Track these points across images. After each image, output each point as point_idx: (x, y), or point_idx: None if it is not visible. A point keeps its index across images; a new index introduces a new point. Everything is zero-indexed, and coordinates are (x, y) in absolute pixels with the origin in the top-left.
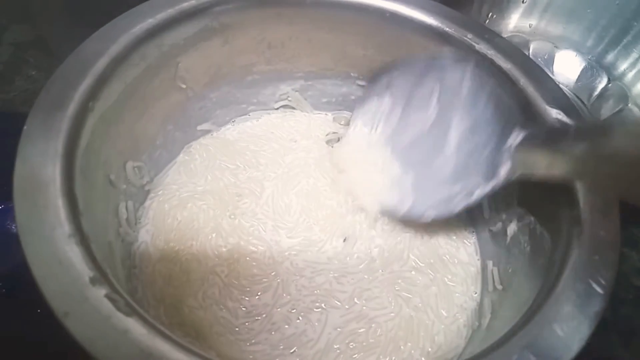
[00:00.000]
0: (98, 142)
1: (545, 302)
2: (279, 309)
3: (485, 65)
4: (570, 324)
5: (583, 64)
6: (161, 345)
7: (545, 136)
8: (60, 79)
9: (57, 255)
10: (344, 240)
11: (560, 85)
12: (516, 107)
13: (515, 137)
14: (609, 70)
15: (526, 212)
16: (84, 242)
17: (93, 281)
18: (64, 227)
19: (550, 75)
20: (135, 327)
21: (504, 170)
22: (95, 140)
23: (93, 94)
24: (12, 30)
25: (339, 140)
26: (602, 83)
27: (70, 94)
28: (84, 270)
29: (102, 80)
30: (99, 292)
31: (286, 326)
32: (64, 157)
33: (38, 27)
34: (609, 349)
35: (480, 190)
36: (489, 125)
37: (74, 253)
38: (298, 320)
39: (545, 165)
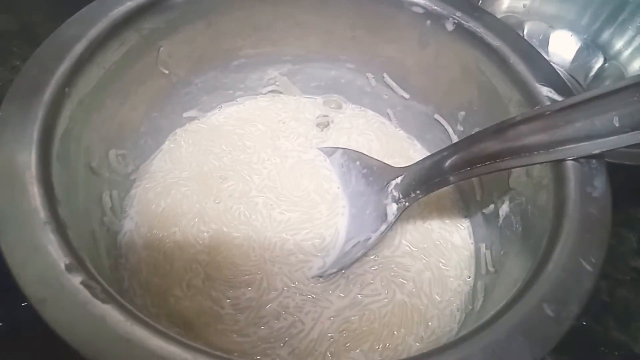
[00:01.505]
0: (78, 129)
1: (534, 282)
2: (265, 303)
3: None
4: (559, 303)
5: (579, 44)
6: (139, 332)
7: (420, 172)
8: (37, 63)
9: (32, 243)
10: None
11: (555, 66)
12: (507, 85)
13: (394, 184)
14: (604, 49)
15: (517, 192)
16: (60, 230)
17: (69, 268)
18: (40, 214)
19: (541, 53)
20: (112, 314)
21: (390, 212)
22: (74, 127)
23: (70, 79)
24: None
25: (329, 124)
26: (598, 63)
27: (46, 79)
28: (60, 258)
29: (80, 65)
30: (75, 279)
31: (275, 320)
32: (40, 143)
33: (22, 17)
34: (606, 331)
35: (375, 234)
36: (365, 192)
37: (49, 240)
38: (286, 313)
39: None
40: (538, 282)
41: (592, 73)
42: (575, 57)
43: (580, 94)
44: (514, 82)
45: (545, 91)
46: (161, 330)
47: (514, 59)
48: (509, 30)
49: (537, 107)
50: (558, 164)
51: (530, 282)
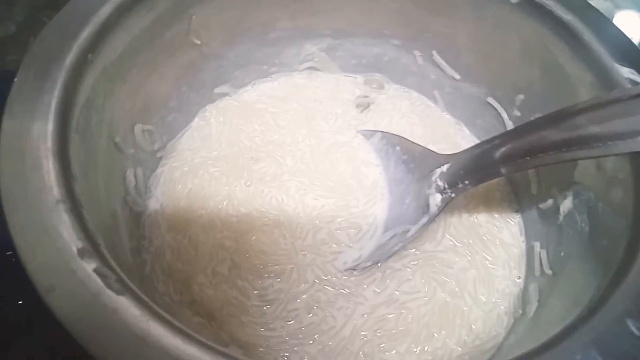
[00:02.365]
0: (100, 100)
1: (613, 293)
2: (295, 296)
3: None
4: None
5: None
6: (155, 329)
7: (470, 161)
8: (57, 27)
9: (42, 223)
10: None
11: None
12: (579, 66)
13: (440, 173)
14: None
15: (585, 186)
16: (74, 210)
17: (81, 253)
18: (53, 191)
19: (619, 27)
20: (126, 307)
21: (433, 203)
22: (96, 98)
23: (94, 45)
24: None
25: (369, 105)
26: None
27: (67, 44)
28: (72, 241)
29: (105, 31)
30: (88, 266)
31: (305, 315)
32: (58, 113)
33: None
34: None
35: (415, 226)
36: (404, 179)
37: (61, 221)
38: (317, 307)
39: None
40: (618, 292)
41: None
42: None
43: None
44: (587, 62)
45: (627, 72)
46: (180, 327)
47: (588, 36)
48: (583, 2)
49: (615, 91)
50: (638, 156)
51: (608, 292)
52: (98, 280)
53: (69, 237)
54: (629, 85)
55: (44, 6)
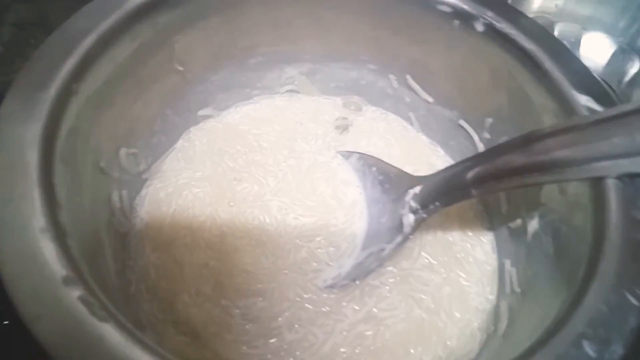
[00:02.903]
0: (86, 127)
1: (572, 315)
2: (277, 314)
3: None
4: (602, 342)
5: (614, 47)
6: (139, 356)
7: (440, 184)
8: (43, 58)
9: (29, 251)
10: None
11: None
12: (541, 93)
13: (412, 194)
14: None
15: (550, 208)
16: (59, 237)
17: (66, 281)
18: (39, 220)
19: (579, 58)
20: (111, 334)
21: (407, 223)
22: (81, 125)
23: (78, 75)
24: (14, 9)
25: (348, 127)
26: (634, 67)
27: (52, 73)
28: (58, 269)
29: (89, 60)
30: (73, 294)
31: (287, 332)
32: (44, 142)
33: (41, 6)
34: None
35: (390, 246)
36: (380, 199)
37: (47, 249)
38: (298, 325)
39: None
40: (576, 315)
41: (627, 78)
42: (609, 61)
43: (620, 105)
44: (549, 90)
45: (584, 100)
46: (164, 354)
47: (550, 64)
48: (544, 32)
49: (574, 118)
50: (597, 181)
51: (567, 315)
52: (83, 307)
53: (55, 265)
54: (587, 113)
55: (31, 25)
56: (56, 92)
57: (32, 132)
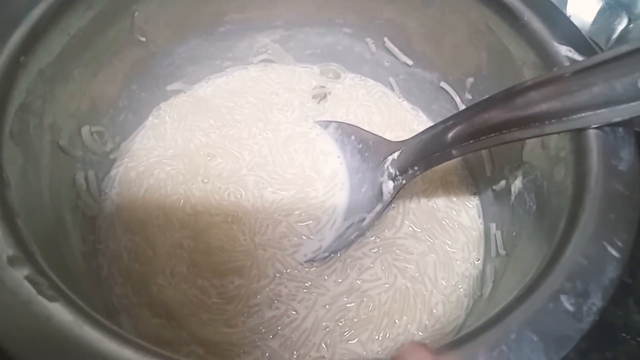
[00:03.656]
0: (39, 103)
1: (551, 270)
2: (255, 292)
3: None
4: (580, 296)
5: (600, 4)
6: (90, 334)
7: (419, 146)
8: None
9: None
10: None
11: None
12: (521, 46)
13: (391, 160)
14: (629, 9)
15: (532, 166)
16: (5, 217)
17: (12, 261)
18: None
19: (558, 7)
20: (60, 313)
21: (386, 191)
22: (34, 101)
23: (26, 47)
24: None
25: (326, 96)
26: (621, 24)
27: None
28: (2, 249)
29: (38, 32)
30: (19, 274)
31: (266, 309)
32: None
33: None
34: (625, 315)
35: (370, 215)
36: (360, 168)
37: None
38: (278, 301)
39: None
40: (555, 270)
41: (615, 35)
42: (596, 18)
43: (599, 54)
44: (529, 42)
45: (564, 50)
46: (116, 331)
47: (529, 16)
48: None
49: (554, 70)
50: (578, 133)
51: (546, 270)
52: (30, 287)
53: None
54: (567, 64)
55: None
56: (2, 67)
57: None
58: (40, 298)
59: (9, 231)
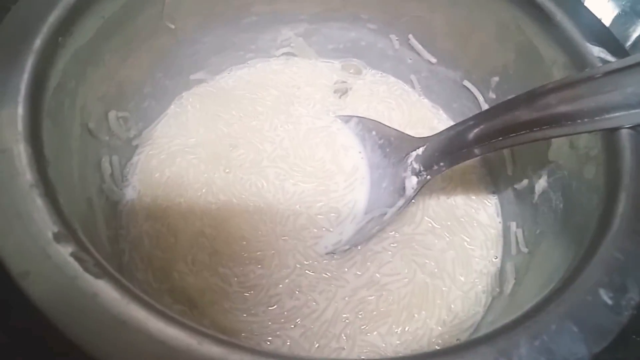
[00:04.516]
0: (72, 84)
1: (586, 265)
2: (276, 282)
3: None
4: (618, 290)
5: (616, 11)
6: (136, 312)
7: (444, 143)
8: (26, 9)
9: (15, 207)
10: None
11: None
12: (552, 46)
13: (415, 155)
14: None
15: (558, 165)
16: (49, 194)
17: (58, 237)
18: (26, 176)
19: (589, 8)
20: (106, 291)
21: (409, 186)
22: (68, 82)
23: (64, 28)
24: None
25: (347, 91)
26: (637, 31)
27: (37, 26)
28: (48, 225)
29: (76, 13)
30: (64, 250)
31: (287, 299)
32: (29, 96)
33: None
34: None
35: (392, 209)
36: (381, 164)
37: (36, 205)
38: (298, 292)
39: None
40: (591, 264)
41: (630, 42)
42: (611, 24)
43: (634, 55)
44: (560, 42)
45: (597, 51)
46: (162, 310)
47: (561, 16)
48: None
49: (586, 70)
50: (610, 133)
51: (581, 265)
52: (75, 264)
53: (44, 222)
54: (600, 64)
55: None
56: (41, 46)
57: (16, 85)
58: (87, 275)
59: (53, 208)
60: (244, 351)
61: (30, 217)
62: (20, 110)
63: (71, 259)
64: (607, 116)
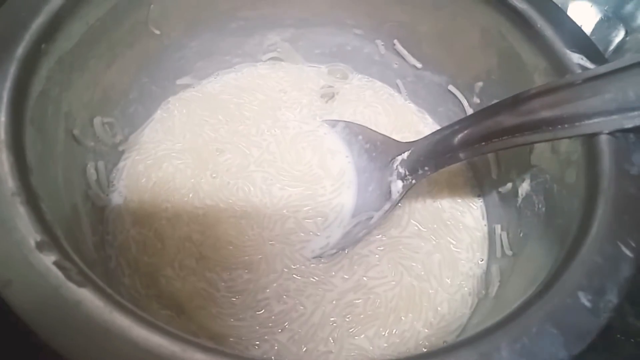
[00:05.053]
0: (56, 91)
1: (567, 268)
2: (264, 286)
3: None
4: (596, 293)
5: (599, 16)
6: (120, 320)
7: (429, 148)
8: (8, 16)
9: None
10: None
11: None
12: (533, 52)
13: (400, 160)
14: (626, 21)
15: (541, 169)
16: (31, 202)
17: (40, 246)
18: (8, 184)
19: (569, 15)
20: (89, 299)
21: (395, 190)
22: (52, 89)
23: (48, 35)
24: None
25: (334, 95)
26: (619, 36)
27: (19, 33)
28: (30, 233)
29: (59, 19)
30: (47, 259)
31: (275, 303)
32: (11, 104)
33: None
34: (622, 317)
35: (378, 213)
36: (367, 168)
37: (18, 213)
38: (286, 296)
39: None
40: (571, 267)
41: (612, 47)
42: (594, 29)
43: (612, 62)
44: (541, 49)
45: (577, 58)
46: (146, 318)
47: (542, 23)
48: None
49: (566, 77)
50: (589, 138)
51: (561, 268)
52: (58, 273)
53: (26, 230)
54: (579, 71)
55: None
56: (24, 53)
57: None
58: (70, 283)
59: (35, 216)
60: (229, 358)
61: (13, 225)
62: (3, 117)
63: (54, 268)
64: (586, 122)
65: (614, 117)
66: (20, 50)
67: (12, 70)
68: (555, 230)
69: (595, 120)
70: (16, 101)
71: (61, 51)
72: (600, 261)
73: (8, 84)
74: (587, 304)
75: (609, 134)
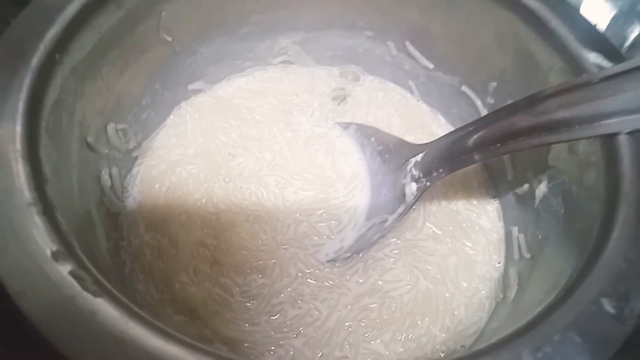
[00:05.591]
0: (70, 100)
1: (589, 273)
2: (278, 291)
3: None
4: (621, 299)
5: (613, 12)
6: (135, 330)
7: (443, 149)
8: (23, 27)
9: (13, 226)
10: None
11: None
12: (548, 52)
13: (414, 162)
14: None
15: (558, 170)
16: (47, 212)
17: (55, 256)
18: (24, 194)
19: (583, 15)
20: (104, 309)
21: (409, 192)
22: (66, 98)
23: (61, 45)
24: None
25: (346, 98)
26: (634, 32)
27: (34, 43)
28: (46, 243)
29: (72, 29)
30: (63, 269)
31: (289, 308)
32: (27, 114)
33: None
34: None
35: (392, 216)
36: (380, 170)
37: (34, 224)
38: (301, 301)
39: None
40: (594, 272)
41: (628, 43)
42: (609, 26)
43: (631, 60)
44: (556, 48)
45: (593, 57)
46: (161, 328)
47: (556, 22)
48: None
49: (583, 76)
50: (609, 138)
51: (583, 273)
52: (74, 282)
53: (42, 240)
54: (596, 70)
55: (8, 2)
56: (38, 63)
57: (14, 104)
58: (85, 293)
59: (50, 226)
60: None
61: (29, 236)
62: (19, 128)
63: (69, 278)
64: (605, 122)
65: (634, 116)
66: (34, 61)
67: (27, 80)
68: (575, 233)
69: (614, 119)
70: (31, 111)
71: (74, 60)
72: (624, 266)
73: (23, 94)
74: (612, 310)
75: (629, 133)
